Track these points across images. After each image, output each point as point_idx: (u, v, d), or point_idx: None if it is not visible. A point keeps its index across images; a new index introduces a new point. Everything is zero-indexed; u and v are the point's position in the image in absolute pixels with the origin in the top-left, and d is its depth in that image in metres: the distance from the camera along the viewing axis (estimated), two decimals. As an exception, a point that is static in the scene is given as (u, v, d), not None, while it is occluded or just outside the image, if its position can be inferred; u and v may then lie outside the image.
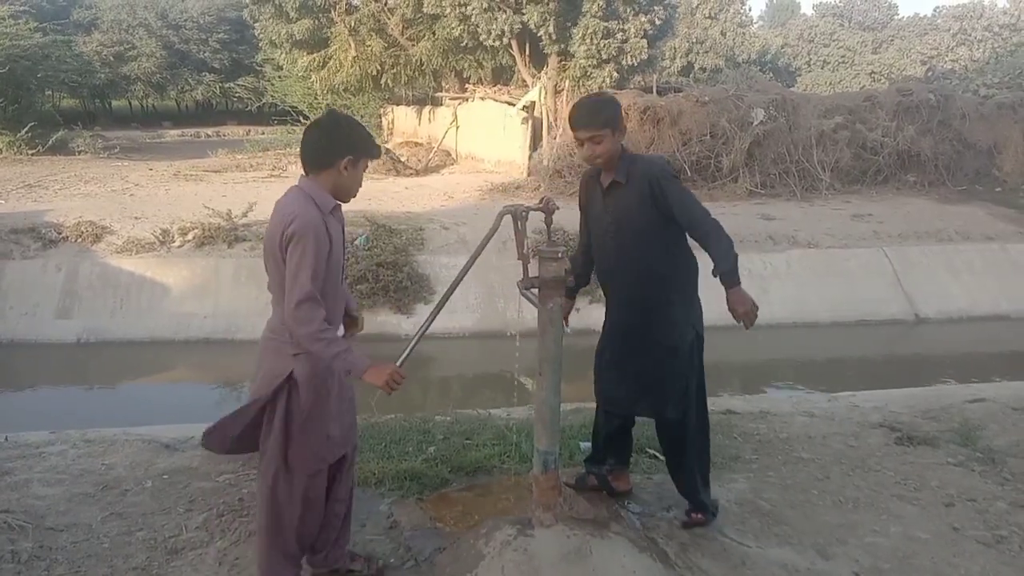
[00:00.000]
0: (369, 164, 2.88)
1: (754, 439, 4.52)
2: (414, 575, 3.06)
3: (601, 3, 15.27)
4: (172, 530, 3.40)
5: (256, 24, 23.84)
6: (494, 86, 20.04)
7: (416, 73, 21.93)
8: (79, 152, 20.99)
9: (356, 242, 9.89)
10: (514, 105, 17.29)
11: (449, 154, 20.68)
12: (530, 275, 3.05)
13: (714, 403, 5.27)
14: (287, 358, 2.66)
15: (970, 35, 38.61)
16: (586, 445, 4.18)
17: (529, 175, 15.89)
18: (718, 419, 4.82)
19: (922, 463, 4.22)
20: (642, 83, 19.36)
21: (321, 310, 2.57)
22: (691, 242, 3.34)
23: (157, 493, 3.76)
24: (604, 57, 15.91)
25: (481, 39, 16.76)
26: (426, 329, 2.93)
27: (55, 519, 3.47)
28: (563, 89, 16.69)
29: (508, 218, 3.03)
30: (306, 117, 25.91)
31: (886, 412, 5.02)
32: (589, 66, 16.05)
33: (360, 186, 2.84)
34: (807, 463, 4.22)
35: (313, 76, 22.55)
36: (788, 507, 3.70)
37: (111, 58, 36.31)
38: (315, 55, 22.25)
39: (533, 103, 16.74)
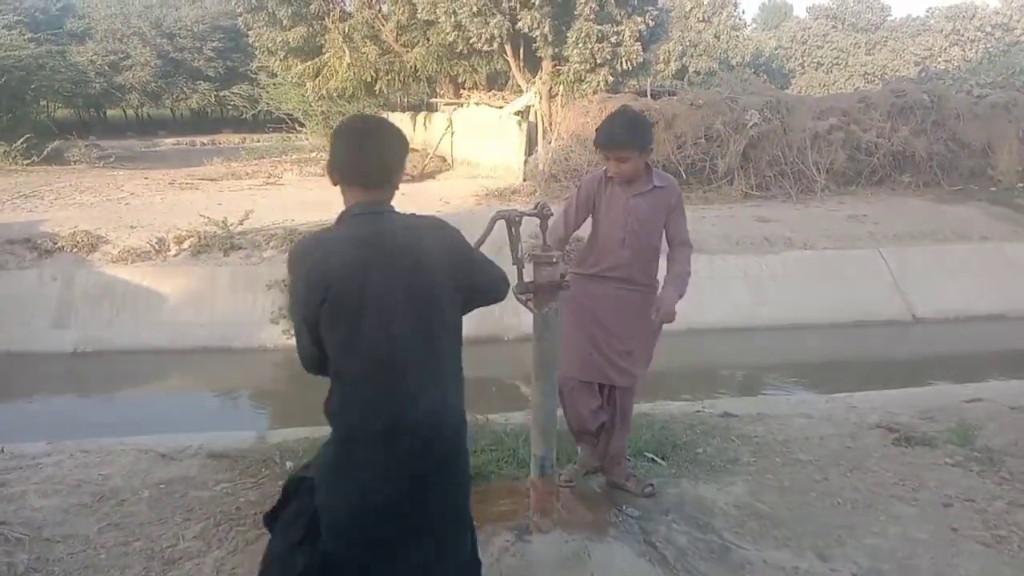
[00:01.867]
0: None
1: (752, 441, 4.51)
2: (412, 582, 3.05)
3: (594, 6, 15.29)
4: (169, 540, 3.39)
5: (250, 32, 23.82)
6: (489, 91, 20.05)
7: (411, 79, 21.93)
8: (74, 162, 20.96)
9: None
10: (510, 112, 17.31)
11: (445, 160, 20.68)
12: (525, 280, 3.05)
13: (712, 405, 5.29)
14: None
15: (963, 35, 38.75)
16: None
17: (525, 180, 15.89)
18: (716, 422, 4.82)
19: (920, 463, 4.22)
20: (636, 87, 19.37)
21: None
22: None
23: (154, 503, 3.75)
24: (598, 61, 15.92)
25: (473, 44, 16.77)
26: None
27: (52, 530, 3.46)
28: (557, 94, 16.70)
29: (503, 223, 3.03)
30: (301, 124, 25.92)
31: (884, 413, 5.02)
32: (583, 70, 16.06)
33: (616, 171, 3.46)
34: (805, 465, 4.21)
35: (308, 84, 22.55)
36: (786, 509, 3.69)
37: (105, 67, 36.29)
38: (309, 63, 22.24)
39: (529, 107, 16.75)
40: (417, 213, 2.28)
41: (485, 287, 2.41)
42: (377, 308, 2.12)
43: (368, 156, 2.25)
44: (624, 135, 3.38)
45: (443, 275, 2.19)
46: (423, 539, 2.20)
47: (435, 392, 2.18)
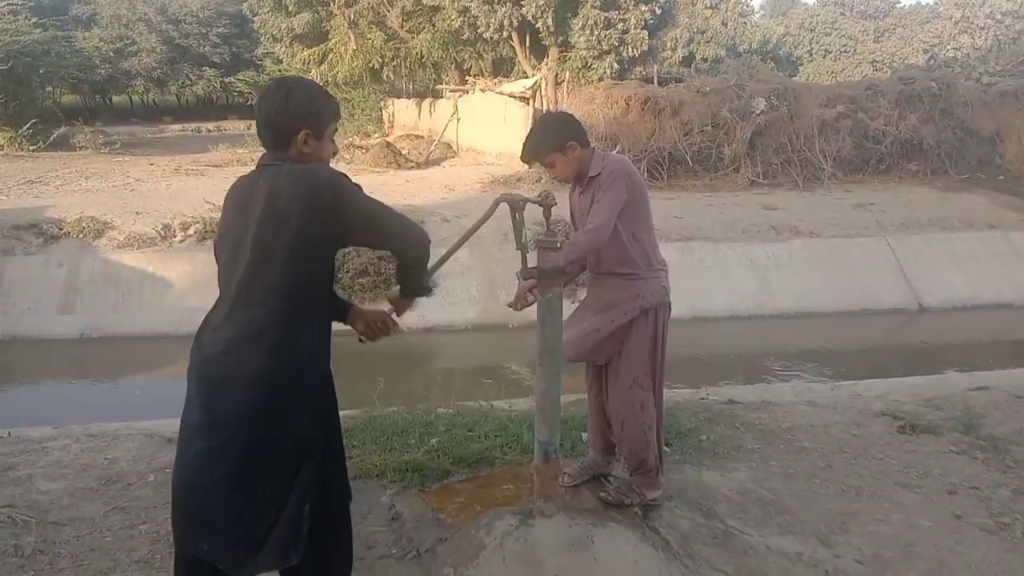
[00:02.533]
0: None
1: (756, 428, 4.51)
2: (416, 566, 3.06)
3: (601, -7, 15.25)
4: (175, 523, 3.40)
5: (256, 18, 23.81)
6: (495, 78, 19.99)
7: (416, 66, 21.91)
8: (80, 148, 20.98)
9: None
10: (515, 97, 17.25)
11: (450, 147, 20.65)
12: (529, 265, 3.04)
13: (716, 392, 5.29)
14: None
15: (972, 23, 38.41)
16: (587, 436, 4.18)
17: (530, 167, 15.85)
18: (720, 409, 4.82)
19: (925, 451, 4.22)
20: (643, 73, 19.29)
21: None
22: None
23: (160, 487, 3.76)
24: (605, 48, 15.87)
25: (480, 31, 16.71)
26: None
27: (58, 513, 3.47)
28: (564, 80, 16.65)
29: (508, 210, 3.02)
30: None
31: (889, 401, 5.01)
32: (590, 57, 16.01)
33: (552, 176, 3.46)
34: (809, 452, 4.21)
35: (313, 70, 22.51)
36: (790, 496, 3.69)
37: (111, 53, 36.27)
38: (315, 49, 22.21)
39: (535, 94, 16.69)
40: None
41: (379, 244, 2.43)
42: (229, 249, 2.26)
43: (261, 118, 2.31)
44: (532, 144, 3.34)
45: (296, 226, 2.16)
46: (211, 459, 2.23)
47: (237, 340, 2.21)
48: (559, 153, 3.24)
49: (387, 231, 2.34)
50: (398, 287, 2.63)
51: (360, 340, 2.71)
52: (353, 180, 2.30)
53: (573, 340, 3.40)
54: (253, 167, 2.33)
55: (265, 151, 2.34)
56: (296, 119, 2.28)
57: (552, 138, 3.28)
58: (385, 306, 2.71)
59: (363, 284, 9.17)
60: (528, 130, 3.52)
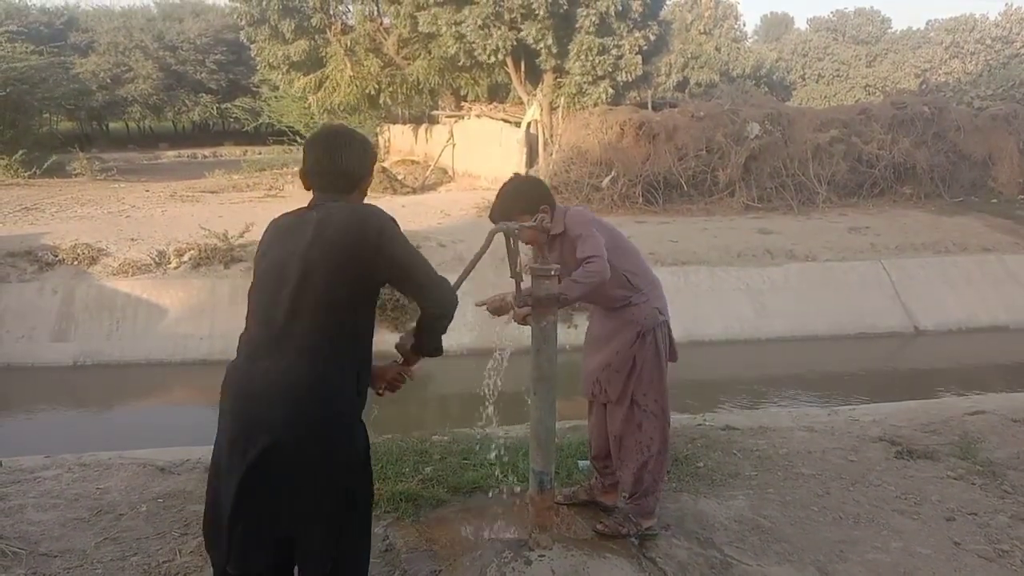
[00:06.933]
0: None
1: (753, 455, 4.49)
2: (410, 598, 3.03)
3: (595, 19, 15.34)
4: (166, 555, 3.36)
5: (252, 45, 23.91)
6: (490, 103, 20.09)
7: (413, 92, 21.98)
8: (76, 174, 20.99)
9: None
10: (510, 122, 17.33)
11: (446, 172, 20.72)
12: (523, 292, 3.04)
13: (713, 418, 5.27)
14: None
15: (963, 48, 38.74)
16: (584, 464, 4.15)
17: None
18: (717, 435, 4.80)
19: (922, 477, 4.20)
20: (638, 99, 19.43)
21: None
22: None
23: (152, 517, 3.73)
24: (599, 73, 15.96)
25: (476, 56, 16.82)
26: None
27: (49, 545, 3.44)
28: (559, 106, 16.74)
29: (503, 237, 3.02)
30: (302, 137, 25.99)
31: (886, 426, 5.00)
32: (584, 82, 16.10)
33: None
34: (807, 479, 4.19)
35: (310, 97, 22.60)
36: (788, 524, 3.67)
37: (108, 80, 36.36)
38: (312, 76, 22.30)
39: (530, 122, 16.80)
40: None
41: (409, 293, 2.47)
42: (268, 273, 2.36)
43: (336, 166, 2.43)
44: (502, 206, 3.35)
45: (341, 254, 2.27)
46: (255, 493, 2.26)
47: (283, 359, 2.29)
48: (529, 215, 3.23)
49: (419, 285, 2.43)
50: (413, 335, 2.70)
51: (379, 394, 2.84)
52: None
53: (588, 377, 3.46)
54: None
55: (317, 193, 2.45)
56: (369, 167, 2.53)
57: (523, 201, 3.28)
58: (399, 349, 2.80)
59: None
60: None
